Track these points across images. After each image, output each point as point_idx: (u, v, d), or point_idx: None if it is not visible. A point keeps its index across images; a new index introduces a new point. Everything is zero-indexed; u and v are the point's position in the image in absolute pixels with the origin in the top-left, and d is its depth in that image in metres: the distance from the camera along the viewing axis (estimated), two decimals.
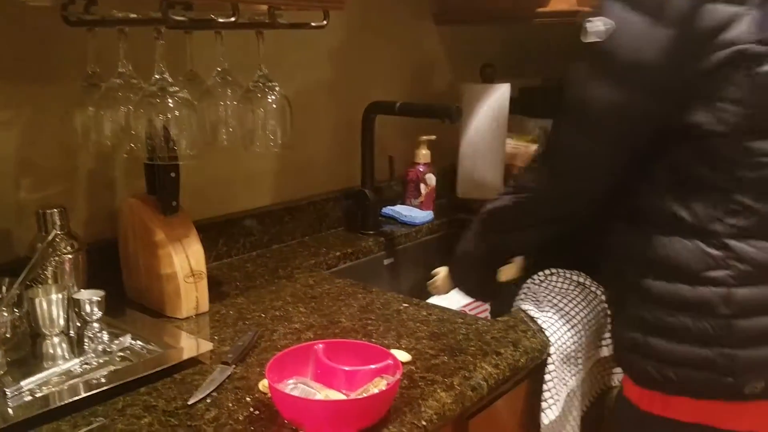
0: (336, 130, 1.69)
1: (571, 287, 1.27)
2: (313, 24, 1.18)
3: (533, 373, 1.14)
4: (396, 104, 1.55)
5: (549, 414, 1.12)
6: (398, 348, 1.04)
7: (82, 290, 1.07)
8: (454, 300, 1.47)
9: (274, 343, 1.07)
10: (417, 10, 1.87)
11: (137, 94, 1.06)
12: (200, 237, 1.18)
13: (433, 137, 1.81)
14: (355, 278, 1.39)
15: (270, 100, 1.17)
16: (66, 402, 0.87)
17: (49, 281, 1.05)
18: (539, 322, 1.15)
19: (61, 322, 1.01)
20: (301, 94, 1.57)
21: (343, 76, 1.68)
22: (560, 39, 1.57)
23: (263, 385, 0.93)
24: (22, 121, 1.14)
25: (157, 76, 1.04)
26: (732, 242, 0.98)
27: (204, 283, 1.18)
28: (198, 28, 1.12)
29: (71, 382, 0.93)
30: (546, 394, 1.12)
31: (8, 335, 0.96)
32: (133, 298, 1.21)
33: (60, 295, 1.00)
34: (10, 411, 0.84)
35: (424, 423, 0.87)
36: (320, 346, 0.94)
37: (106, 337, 1.04)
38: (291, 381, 0.88)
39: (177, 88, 1.05)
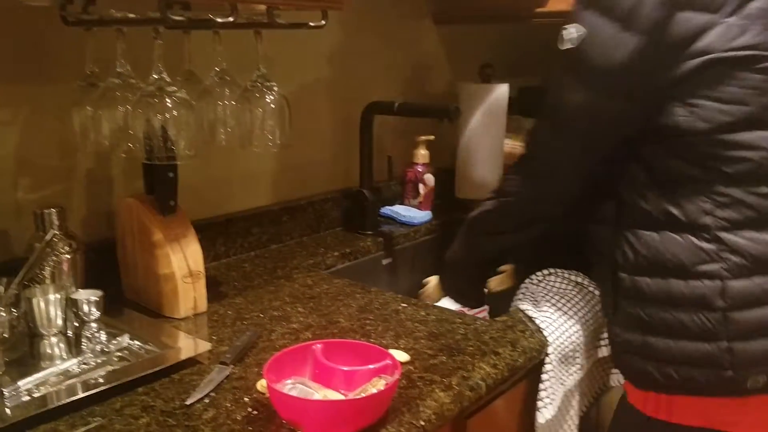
0: (334, 130, 1.69)
1: (569, 287, 1.27)
2: (311, 24, 1.17)
3: (531, 373, 1.14)
4: (394, 104, 1.55)
5: (545, 413, 1.12)
6: (397, 348, 1.04)
7: (79, 290, 1.06)
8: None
9: (272, 343, 1.07)
10: (416, 10, 1.87)
11: (135, 94, 1.06)
12: (198, 237, 1.18)
13: (432, 137, 1.81)
14: (354, 278, 1.39)
15: (268, 100, 1.17)
16: (64, 402, 0.86)
17: (47, 281, 1.05)
18: (537, 322, 1.15)
19: (59, 322, 1.01)
20: (299, 94, 1.57)
21: (341, 75, 1.68)
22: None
23: (261, 385, 0.92)
24: (20, 120, 1.13)
25: (155, 76, 1.04)
26: (724, 235, 0.98)
27: (202, 283, 1.18)
28: (196, 28, 1.12)
29: (69, 382, 0.93)
30: (542, 394, 1.12)
31: (6, 335, 0.96)
32: (131, 298, 1.21)
33: (58, 295, 1.00)
34: (8, 411, 0.84)
35: (422, 423, 0.87)
36: (318, 346, 0.94)
37: (104, 337, 1.04)
38: (289, 381, 0.88)
39: (175, 88, 1.05)
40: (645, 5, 0.95)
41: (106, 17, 1.06)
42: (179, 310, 1.15)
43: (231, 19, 1.00)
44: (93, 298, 1.03)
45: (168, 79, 1.05)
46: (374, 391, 0.85)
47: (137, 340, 1.03)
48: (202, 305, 1.18)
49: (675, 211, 1.01)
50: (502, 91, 1.83)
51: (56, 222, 1.07)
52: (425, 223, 1.75)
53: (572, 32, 1.01)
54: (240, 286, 1.31)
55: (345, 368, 0.91)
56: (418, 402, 0.90)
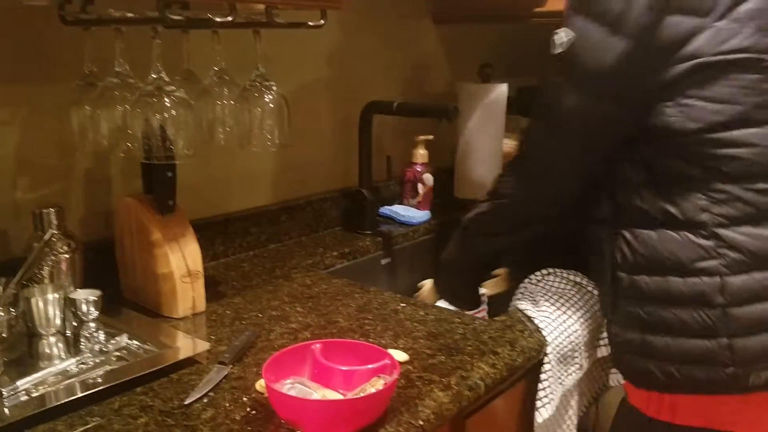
0: (333, 129, 1.69)
1: (568, 287, 1.27)
2: (310, 23, 1.17)
3: (530, 373, 1.14)
4: (393, 104, 1.55)
5: (543, 413, 1.12)
6: (395, 348, 1.04)
7: (78, 290, 1.06)
8: None
9: (271, 343, 1.06)
10: (415, 10, 1.87)
11: (134, 94, 1.05)
12: (197, 236, 1.18)
13: (431, 137, 1.81)
14: (353, 278, 1.39)
15: (267, 100, 1.16)
16: (62, 402, 0.86)
17: (46, 281, 1.05)
18: (536, 321, 1.15)
19: (58, 321, 1.01)
20: (298, 94, 1.57)
21: (340, 75, 1.68)
22: None
23: (260, 385, 0.92)
24: (18, 120, 1.13)
25: (153, 76, 1.04)
26: (721, 231, 0.98)
27: (201, 283, 1.18)
28: (195, 27, 1.12)
29: (67, 381, 0.93)
30: (541, 393, 1.12)
31: (4, 335, 0.96)
32: (129, 297, 1.21)
33: (56, 295, 1.00)
34: (7, 411, 0.84)
35: (421, 422, 0.87)
36: (317, 345, 0.93)
37: (102, 336, 1.03)
38: (288, 381, 0.88)
39: (174, 88, 1.05)
40: (633, 10, 0.96)
41: (104, 17, 1.06)
42: (178, 310, 1.15)
43: (230, 18, 1.00)
44: (91, 298, 1.03)
45: (167, 79, 1.05)
46: (373, 390, 0.85)
47: (136, 340, 1.03)
48: (201, 305, 1.18)
49: (671, 209, 1.01)
50: (501, 90, 1.83)
51: (55, 222, 1.07)
52: (424, 222, 1.75)
53: (562, 37, 1.02)
54: (239, 285, 1.31)
55: (344, 368, 0.91)
56: (416, 402, 0.90)
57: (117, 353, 1.01)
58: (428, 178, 1.81)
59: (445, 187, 1.91)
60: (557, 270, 1.31)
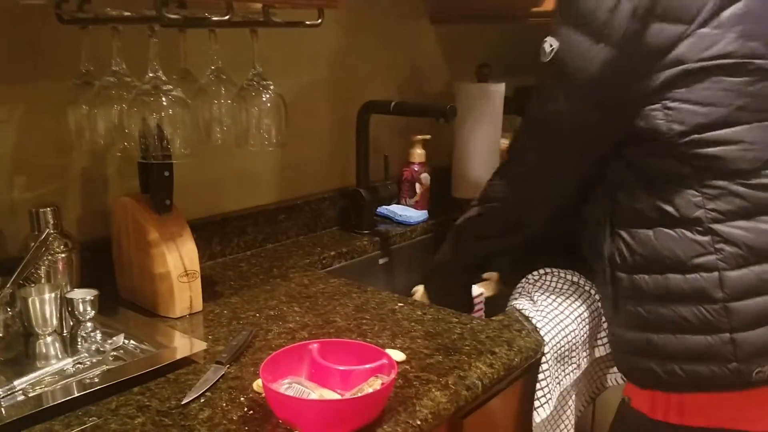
0: (331, 129, 1.69)
1: (566, 286, 1.27)
2: (307, 23, 1.17)
3: (528, 373, 1.14)
4: (391, 103, 1.55)
5: (541, 412, 1.12)
6: (393, 347, 1.04)
7: (75, 289, 1.06)
8: None
9: (268, 343, 1.06)
10: (413, 9, 1.87)
11: (131, 93, 1.05)
12: (194, 236, 1.18)
13: (428, 137, 1.81)
14: (350, 278, 1.39)
15: (264, 99, 1.16)
16: (59, 402, 0.86)
17: (42, 280, 1.05)
18: (534, 321, 1.15)
19: (54, 321, 1.00)
20: (295, 93, 1.57)
21: (338, 74, 1.68)
22: None
23: (257, 384, 0.92)
24: (15, 119, 1.13)
25: (150, 75, 1.04)
26: (716, 226, 0.99)
27: (198, 283, 1.17)
28: (192, 26, 1.12)
29: (64, 381, 0.92)
30: (539, 393, 1.12)
31: (1, 334, 0.96)
32: (126, 297, 1.21)
33: (53, 295, 1.00)
34: (3, 411, 0.83)
35: (419, 422, 0.87)
36: (315, 345, 0.93)
37: (99, 336, 1.03)
38: (285, 381, 0.87)
39: (171, 87, 1.04)
40: (617, 18, 0.97)
41: (101, 15, 1.06)
42: (175, 310, 1.15)
43: (227, 17, 1.00)
44: (88, 298, 1.03)
45: (164, 78, 1.04)
46: (370, 390, 0.85)
47: (133, 340, 1.03)
48: (198, 305, 1.18)
49: (666, 207, 1.02)
50: (498, 90, 1.83)
51: (51, 221, 1.06)
52: (421, 222, 1.75)
53: (548, 46, 1.05)
54: (236, 285, 1.31)
55: (341, 368, 0.91)
56: (414, 401, 0.90)
57: (114, 353, 1.00)
58: (425, 177, 1.81)
59: (443, 186, 1.91)
60: (555, 270, 1.31)
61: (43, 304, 0.99)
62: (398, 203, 1.82)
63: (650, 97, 1.00)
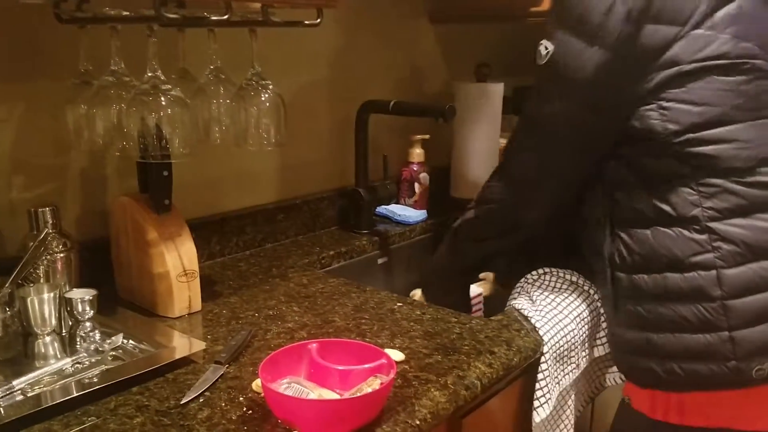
0: (330, 128, 1.69)
1: (564, 286, 1.27)
2: (306, 22, 1.17)
3: (527, 372, 1.14)
4: (390, 103, 1.55)
5: (540, 412, 1.12)
6: (392, 347, 1.04)
7: (74, 289, 1.06)
8: None
9: (267, 343, 1.06)
10: (412, 9, 1.87)
11: (130, 92, 1.05)
12: (193, 236, 1.18)
13: (427, 136, 1.81)
14: (349, 277, 1.39)
15: (263, 98, 1.16)
16: (58, 401, 0.86)
17: (41, 280, 1.05)
18: (533, 321, 1.15)
19: (53, 321, 1.00)
20: (295, 93, 1.57)
21: (337, 74, 1.68)
22: None
23: (256, 384, 0.92)
24: (14, 118, 1.13)
25: (149, 74, 1.04)
26: (713, 224, 0.99)
27: (196, 282, 1.17)
28: (191, 26, 1.12)
29: (63, 381, 0.92)
30: (538, 393, 1.12)
31: (0, 334, 0.96)
32: (125, 297, 1.21)
33: (52, 294, 1.00)
34: (2, 410, 0.83)
35: (417, 422, 0.87)
36: (314, 345, 0.93)
37: (98, 336, 1.03)
38: (284, 380, 0.87)
39: (170, 86, 1.04)
40: (611, 20, 0.98)
41: (100, 15, 1.05)
42: (174, 310, 1.15)
43: (226, 17, 1.00)
44: (87, 297, 1.03)
45: (162, 77, 1.04)
46: (370, 390, 0.84)
47: (131, 340, 1.03)
48: (197, 304, 1.18)
49: (663, 206, 1.02)
50: (497, 90, 1.83)
51: (50, 221, 1.06)
52: (420, 222, 1.75)
53: (545, 49, 1.05)
54: (235, 285, 1.31)
55: (340, 367, 0.91)
56: (413, 401, 0.90)
57: (113, 353, 1.00)
58: (424, 177, 1.81)
59: (442, 186, 1.91)
60: (554, 269, 1.31)
61: (42, 303, 0.99)
62: (397, 203, 1.82)
63: (645, 98, 1.01)
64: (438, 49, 1.99)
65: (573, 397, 1.24)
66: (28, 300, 0.98)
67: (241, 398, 0.90)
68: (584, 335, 1.22)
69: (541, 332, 1.13)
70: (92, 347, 1.01)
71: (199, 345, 1.03)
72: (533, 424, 1.13)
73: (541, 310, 1.18)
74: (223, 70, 1.17)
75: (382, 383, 0.85)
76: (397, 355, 1.01)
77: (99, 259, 1.19)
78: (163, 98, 1.03)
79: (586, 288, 1.28)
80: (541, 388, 1.12)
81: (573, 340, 1.18)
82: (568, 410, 1.24)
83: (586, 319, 1.23)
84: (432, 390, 0.93)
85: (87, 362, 0.97)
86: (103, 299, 1.06)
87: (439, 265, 1.35)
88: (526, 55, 2.16)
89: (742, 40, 0.98)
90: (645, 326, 1.05)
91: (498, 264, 1.40)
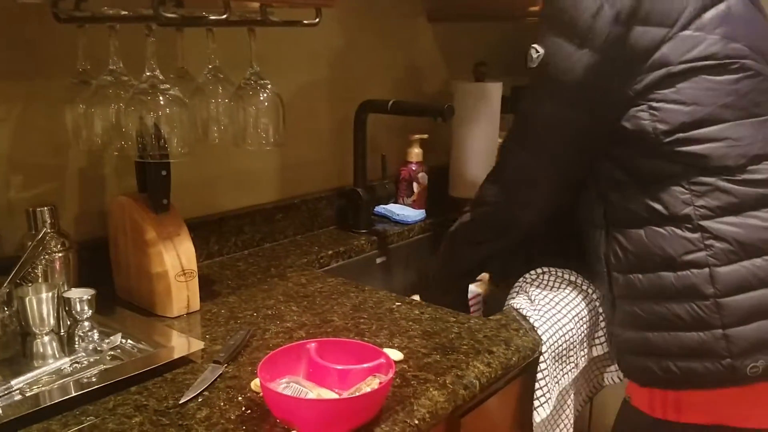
0: (329, 128, 1.69)
1: (563, 285, 1.27)
2: (305, 22, 1.17)
3: (525, 372, 1.14)
4: (388, 103, 1.55)
5: (541, 412, 1.12)
6: (391, 347, 1.04)
7: (72, 289, 1.06)
8: None
9: (266, 342, 1.06)
10: (410, 8, 1.87)
11: (128, 92, 1.05)
12: (191, 235, 1.18)
13: (426, 136, 1.81)
14: (348, 277, 1.39)
15: (262, 98, 1.16)
16: (56, 401, 0.86)
17: (40, 280, 1.05)
18: (531, 320, 1.15)
19: (52, 320, 1.00)
20: (293, 92, 1.57)
21: (335, 74, 1.68)
22: None
23: (255, 384, 0.92)
24: (12, 118, 1.13)
25: (148, 74, 1.04)
26: (705, 223, 1.00)
27: (195, 282, 1.17)
28: (189, 25, 1.12)
29: (61, 381, 0.92)
30: (538, 392, 1.12)
31: None
32: (123, 296, 1.21)
33: (50, 294, 1.00)
34: (0, 410, 0.83)
35: (416, 422, 0.87)
36: (312, 345, 0.93)
37: (96, 336, 1.03)
38: (283, 380, 0.87)
39: (168, 86, 1.04)
40: (599, 22, 0.99)
41: (98, 14, 1.05)
42: (172, 309, 1.15)
43: (224, 16, 1.00)
44: (85, 297, 1.03)
45: (161, 77, 1.04)
46: (368, 390, 0.84)
47: (130, 339, 1.03)
48: (195, 304, 1.18)
49: (656, 205, 1.03)
50: (495, 89, 1.83)
51: (48, 220, 1.06)
52: (419, 221, 1.75)
53: (536, 52, 1.07)
54: (233, 284, 1.31)
55: (339, 367, 0.91)
56: (412, 401, 0.90)
57: (111, 352, 1.00)
58: (423, 176, 1.81)
59: (440, 185, 1.91)
60: (552, 269, 1.31)
61: (40, 303, 0.99)
62: (396, 202, 1.82)
63: (635, 98, 1.02)
64: (436, 48, 1.99)
65: (572, 396, 1.24)
66: (27, 300, 0.98)
67: (239, 398, 0.90)
68: (583, 334, 1.22)
69: (539, 332, 1.13)
70: (91, 347, 1.01)
71: (198, 345, 1.03)
72: (534, 424, 1.13)
73: (539, 310, 1.18)
74: (222, 69, 1.17)
75: (380, 383, 0.85)
76: (395, 355, 1.01)
77: (97, 258, 1.19)
78: (161, 98, 1.03)
79: (584, 287, 1.28)
80: (540, 388, 1.12)
81: (572, 340, 1.18)
82: (568, 410, 1.24)
83: (584, 319, 1.23)
84: (431, 389, 0.93)
85: (85, 362, 0.97)
86: (102, 299, 1.06)
87: (437, 271, 1.36)
88: (525, 55, 2.16)
89: (731, 41, 0.99)
90: (641, 325, 1.05)
91: (493, 264, 1.40)
